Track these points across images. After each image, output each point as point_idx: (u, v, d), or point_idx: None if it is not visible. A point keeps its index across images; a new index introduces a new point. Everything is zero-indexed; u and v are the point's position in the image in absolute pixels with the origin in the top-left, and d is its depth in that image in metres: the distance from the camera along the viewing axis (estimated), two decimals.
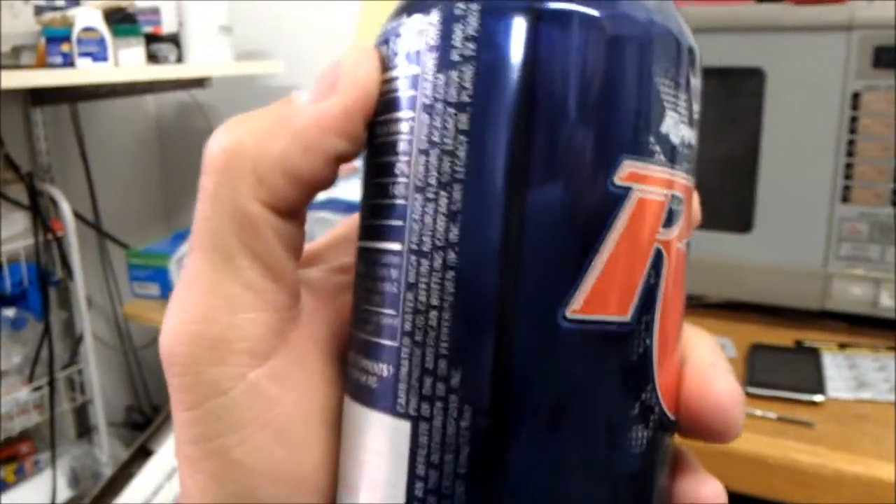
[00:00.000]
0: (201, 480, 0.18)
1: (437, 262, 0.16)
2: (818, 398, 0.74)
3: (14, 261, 1.37)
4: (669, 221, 0.17)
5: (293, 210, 0.18)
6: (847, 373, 0.79)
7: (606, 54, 0.16)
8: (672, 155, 0.17)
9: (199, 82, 1.51)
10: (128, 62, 1.29)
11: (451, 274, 0.16)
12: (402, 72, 0.17)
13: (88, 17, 1.22)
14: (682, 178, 0.18)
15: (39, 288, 1.41)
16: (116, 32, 1.26)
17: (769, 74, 0.89)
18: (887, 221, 0.85)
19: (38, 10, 1.28)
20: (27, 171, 1.41)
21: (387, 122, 0.18)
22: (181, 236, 1.33)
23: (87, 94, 1.42)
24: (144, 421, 1.68)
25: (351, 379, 0.18)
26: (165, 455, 1.25)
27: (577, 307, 0.16)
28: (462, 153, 0.16)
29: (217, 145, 0.18)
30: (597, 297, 0.16)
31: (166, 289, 1.31)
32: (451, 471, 0.16)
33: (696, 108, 0.19)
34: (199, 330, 0.17)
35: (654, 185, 0.17)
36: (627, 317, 0.17)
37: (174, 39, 1.38)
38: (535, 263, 0.16)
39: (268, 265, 0.18)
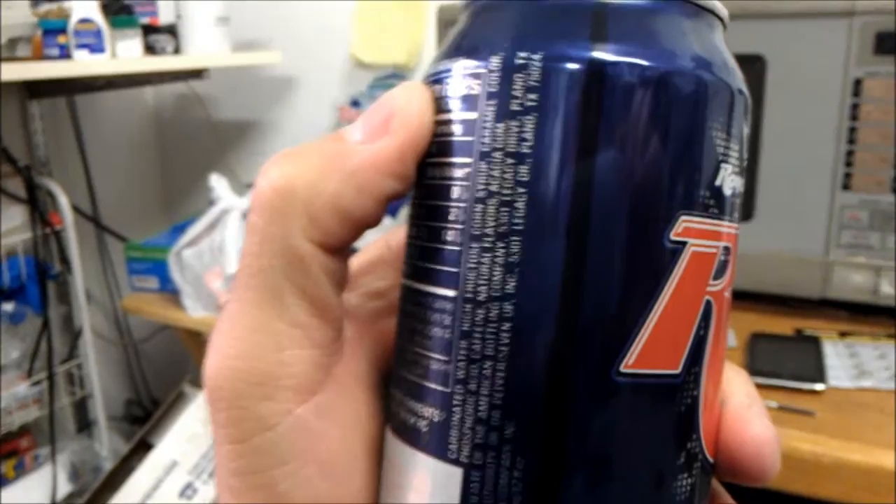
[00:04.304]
0: None
1: (493, 313, 0.16)
2: (819, 387, 0.74)
3: (12, 254, 1.37)
4: (719, 273, 0.17)
5: (341, 247, 0.18)
6: (847, 361, 0.79)
7: (668, 110, 0.16)
8: (724, 206, 0.17)
9: (197, 73, 1.50)
10: (125, 54, 1.29)
11: (506, 325, 0.16)
12: (458, 115, 0.17)
13: (85, 8, 1.21)
14: (731, 229, 0.18)
15: (38, 282, 1.41)
16: (113, 24, 1.26)
17: (770, 61, 0.88)
18: (888, 209, 0.84)
19: (35, 2, 1.28)
20: (25, 164, 1.40)
21: (440, 164, 0.18)
22: (180, 229, 1.32)
23: (84, 86, 1.41)
24: (144, 415, 1.68)
25: (396, 417, 0.18)
26: (165, 449, 1.25)
27: (630, 362, 0.16)
28: (520, 205, 0.16)
29: (268, 183, 0.17)
30: (650, 352, 0.16)
31: (165, 282, 1.31)
32: None
33: (745, 155, 0.19)
34: (245, 366, 0.17)
35: (706, 239, 0.17)
36: (678, 370, 0.17)
37: (171, 30, 1.38)
38: (591, 319, 0.16)
39: (315, 302, 0.18)
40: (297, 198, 0.17)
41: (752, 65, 0.89)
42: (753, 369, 0.76)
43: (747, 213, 0.91)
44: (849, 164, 0.86)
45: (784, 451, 0.66)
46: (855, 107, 0.85)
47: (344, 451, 0.18)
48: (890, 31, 0.82)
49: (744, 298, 0.93)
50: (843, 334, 0.85)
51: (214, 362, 0.18)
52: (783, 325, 0.88)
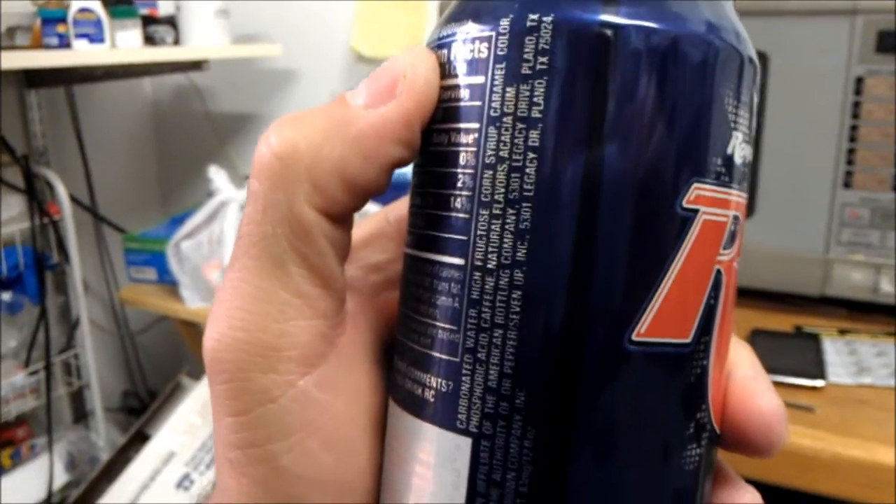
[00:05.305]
0: (246, 484, 0.17)
1: (504, 281, 0.16)
2: (818, 383, 0.74)
3: (10, 244, 1.37)
4: (729, 242, 0.17)
5: (345, 216, 0.18)
6: (847, 358, 0.80)
7: (680, 74, 0.16)
8: (734, 175, 0.17)
9: (197, 65, 1.50)
10: (124, 44, 1.28)
11: (517, 293, 0.16)
12: (465, 80, 0.17)
13: None
14: (740, 198, 0.18)
15: (36, 272, 1.41)
16: (113, 14, 1.25)
17: (772, 59, 0.88)
18: (888, 207, 0.85)
19: None
20: (23, 153, 1.40)
21: (447, 130, 0.17)
22: (178, 220, 1.32)
23: (83, 76, 1.41)
24: (141, 406, 1.68)
25: (401, 388, 0.18)
26: (162, 440, 1.25)
27: (642, 330, 0.16)
28: (531, 170, 0.16)
29: (269, 148, 0.17)
30: (661, 320, 0.16)
31: (163, 273, 1.30)
32: (513, 489, 0.16)
33: (755, 124, 0.18)
34: (248, 337, 0.17)
35: (718, 207, 0.17)
36: (689, 339, 0.17)
37: (171, 21, 1.37)
38: (603, 286, 0.16)
39: (318, 272, 0.17)
40: (301, 164, 0.17)
41: None
42: None
43: (748, 210, 0.91)
44: (850, 162, 0.86)
45: (784, 446, 0.66)
46: (856, 105, 0.85)
47: (347, 424, 0.18)
48: (891, 29, 0.83)
49: (744, 295, 0.92)
50: (842, 332, 0.86)
51: (216, 332, 0.17)
52: (783, 322, 0.89)
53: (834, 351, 0.81)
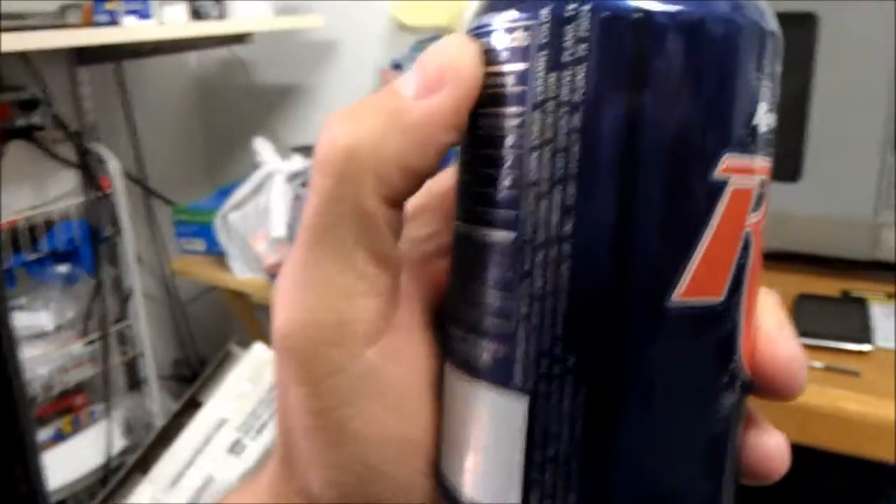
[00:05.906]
0: (318, 446, 0.19)
1: (552, 254, 0.17)
2: (865, 347, 0.74)
3: (65, 218, 1.41)
4: (757, 206, 0.19)
5: (403, 200, 0.19)
6: (894, 322, 0.79)
7: (711, 53, 0.17)
8: (761, 143, 0.18)
9: (241, 38, 1.52)
10: (171, 19, 1.30)
11: (566, 265, 0.17)
12: (508, 67, 0.18)
13: None
14: (765, 163, 0.19)
15: (90, 245, 1.45)
16: None
17: (822, 20, 0.87)
18: None
19: None
20: (75, 130, 1.43)
21: (493, 115, 0.18)
22: (225, 192, 1.35)
23: (131, 51, 1.44)
24: (192, 374, 1.73)
25: (458, 353, 0.20)
26: (213, 407, 1.28)
27: (680, 292, 0.17)
28: (575, 151, 0.17)
29: (333, 143, 0.18)
30: (697, 282, 0.17)
31: (211, 244, 1.34)
32: (567, 441, 0.18)
33: (778, 92, 0.19)
34: (318, 317, 0.19)
35: (746, 174, 0.18)
36: (721, 297, 0.18)
37: None
38: (644, 255, 0.17)
39: (379, 255, 0.19)
40: (364, 156, 0.18)
41: (804, 23, 0.87)
42: (800, 330, 0.75)
43: (795, 173, 0.90)
44: None
45: (829, 410, 0.66)
46: None
47: (408, 390, 0.20)
48: None
49: (791, 260, 0.92)
50: (890, 296, 0.85)
51: (287, 314, 0.19)
52: (830, 287, 0.88)
53: (882, 315, 0.80)
